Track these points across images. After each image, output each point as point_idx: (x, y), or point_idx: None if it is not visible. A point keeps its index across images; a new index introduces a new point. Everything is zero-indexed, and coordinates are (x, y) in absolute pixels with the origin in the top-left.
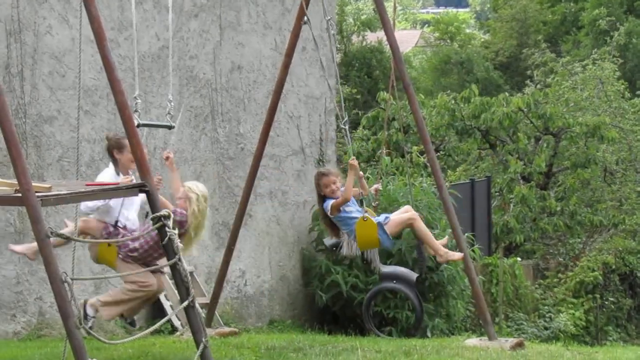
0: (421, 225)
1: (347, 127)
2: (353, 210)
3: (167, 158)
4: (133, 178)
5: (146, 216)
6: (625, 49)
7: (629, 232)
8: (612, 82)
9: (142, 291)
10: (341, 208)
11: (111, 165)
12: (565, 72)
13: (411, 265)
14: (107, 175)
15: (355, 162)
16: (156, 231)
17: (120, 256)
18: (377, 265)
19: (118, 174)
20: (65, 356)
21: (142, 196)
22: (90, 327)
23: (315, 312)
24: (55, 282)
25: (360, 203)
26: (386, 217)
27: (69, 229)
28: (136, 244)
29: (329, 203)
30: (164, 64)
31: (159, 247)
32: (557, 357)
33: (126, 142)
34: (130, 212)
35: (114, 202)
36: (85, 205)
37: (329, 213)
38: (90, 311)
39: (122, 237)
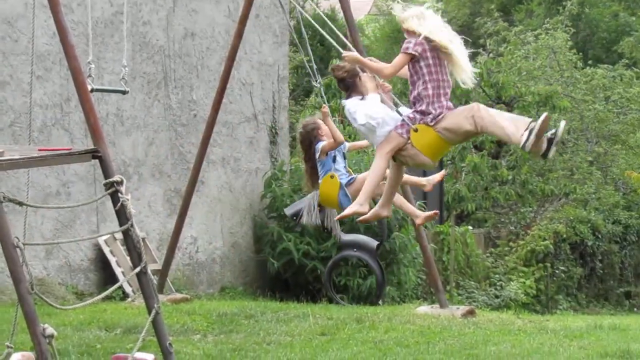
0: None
1: (321, 87)
2: (341, 163)
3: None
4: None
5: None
6: (577, 19)
7: (580, 202)
8: (564, 52)
9: (478, 111)
10: (329, 152)
11: (347, 100)
12: (517, 42)
13: (363, 232)
14: (353, 102)
15: (327, 109)
16: (420, 71)
17: (434, 126)
18: (337, 234)
19: (363, 98)
20: (16, 321)
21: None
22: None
23: (267, 279)
24: (7, 247)
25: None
26: (351, 178)
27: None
28: (423, 104)
29: (321, 144)
30: (117, 29)
31: (435, 80)
32: (508, 325)
33: (358, 69)
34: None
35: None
36: (370, 117)
37: (318, 155)
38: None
39: (412, 117)
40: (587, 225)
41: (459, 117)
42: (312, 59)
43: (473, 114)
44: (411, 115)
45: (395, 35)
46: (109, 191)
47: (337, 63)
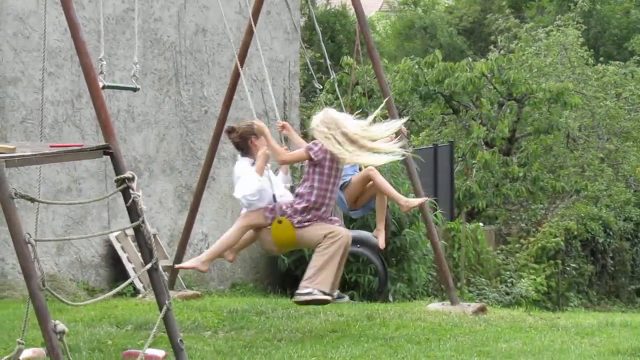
0: (378, 177)
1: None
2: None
3: (283, 127)
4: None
5: (291, 191)
6: (589, 16)
7: (591, 199)
8: (575, 49)
9: (335, 242)
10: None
11: (240, 156)
12: (528, 38)
13: (373, 229)
14: (243, 165)
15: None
16: (313, 175)
17: (296, 227)
18: None
19: (253, 164)
20: (27, 317)
21: (281, 175)
22: (324, 293)
23: (277, 276)
24: (19, 243)
25: None
26: (346, 181)
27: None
28: (304, 203)
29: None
30: (128, 26)
31: (324, 189)
32: (519, 322)
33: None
34: (280, 189)
35: (266, 185)
36: (245, 197)
37: None
38: (307, 291)
39: (291, 205)
40: (598, 222)
41: (316, 233)
42: (326, 57)
43: (330, 240)
44: (284, 207)
45: (406, 31)
46: (120, 187)
47: (232, 125)
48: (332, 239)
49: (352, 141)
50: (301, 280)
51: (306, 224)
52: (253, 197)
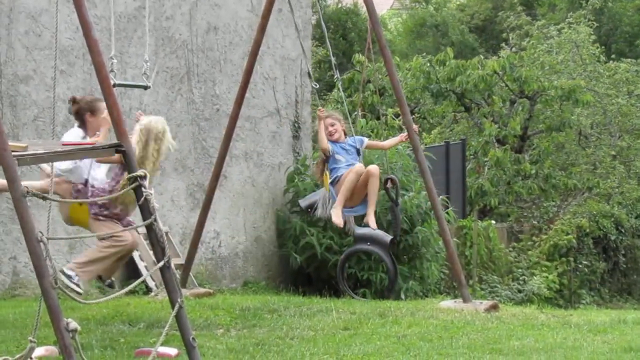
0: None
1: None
2: (342, 160)
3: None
4: (100, 140)
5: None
6: (600, 13)
7: (603, 196)
8: (587, 46)
9: (117, 246)
10: (329, 154)
11: (76, 126)
12: (540, 36)
13: (385, 227)
14: (73, 135)
15: (322, 113)
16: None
17: (92, 214)
18: (351, 227)
19: (85, 137)
20: (40, 316)
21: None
22: (78, 284)
23: (289, 274)
24: (31, 241)
25: (357, 152)
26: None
27: (41, 183)
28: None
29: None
30: (140, 24)
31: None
32: (531, 319)
33: (100, 104)
34: (97, 172)
35: (83, 163)
36: (58, 167)
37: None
38: (71, 273)
39: (92, 195)
40: (610, 219)
41: (104, 229)
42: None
43: (112, 240)
44: (89, 194)
45: (417, 29)
46: (132, 185)
47: (74, 96)
48: (116, 242)
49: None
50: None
51: (101, 218)
52: (65, 172)
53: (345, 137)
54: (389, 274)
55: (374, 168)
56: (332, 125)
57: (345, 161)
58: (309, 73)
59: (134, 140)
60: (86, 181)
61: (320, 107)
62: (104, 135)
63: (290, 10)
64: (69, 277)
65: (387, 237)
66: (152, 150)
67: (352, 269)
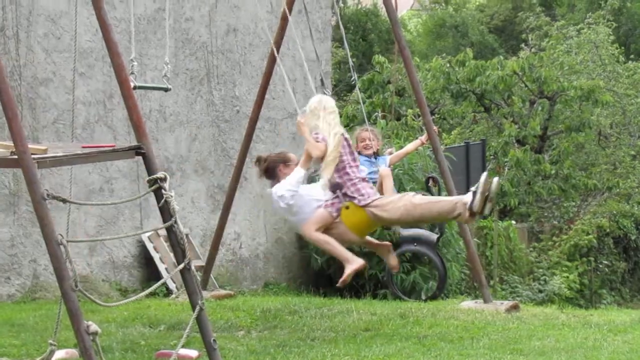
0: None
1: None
2: (365, 170)
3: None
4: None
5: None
6: (619, 13)
7: (622, 196)
8: (606, 46)
9: (404, 195)
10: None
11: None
12: (559, 36)
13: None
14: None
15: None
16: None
17: (364, 207)
18: (396, 229)
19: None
20: (60, 318)
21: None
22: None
23: (310, 275)
24: (51, 244)
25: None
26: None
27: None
28: (362, 190)
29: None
30: (159, 26)
31: (347, 171)
32: (552, 319)
33: (289, 155)
34: (318, 190)
35: (302, 190)
36: (280, 205)
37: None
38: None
39: (341, 196)
40: (631, 219)
41: (393, 203)
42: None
43: (409, 201)
44: (340, 197)
45: (437, 30)
46: (153, 188)
47: (259, 155)
48: (403, 196)
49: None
50: None
51: (373, 205)
52: (282, 201)
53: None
54: (438, 273)
55: (385, 170)
56: (371, 140)
57: (368, 172)
58: (322, 80)
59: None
60: (336, 186)
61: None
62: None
63: (305, 13)
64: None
65: (433, 236)
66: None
67: (373, 269)
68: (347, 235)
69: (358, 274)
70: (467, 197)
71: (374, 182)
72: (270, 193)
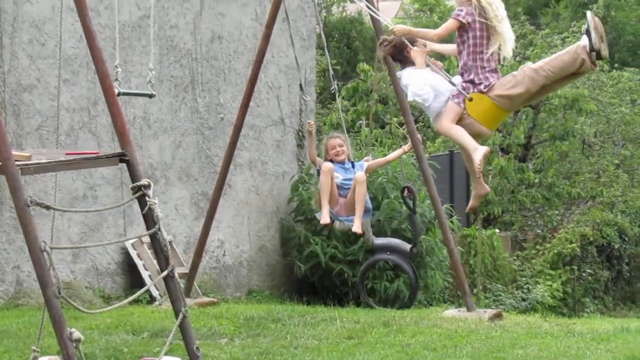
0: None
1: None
2: (339, 177)
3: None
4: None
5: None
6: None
7: (606, 205)
8: None
9: (534, 68)
10: (317, 167)
11: (403, 69)
12: (544, 45)
13: (390, 236)
14: (408, 73)
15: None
16: (468, 40)
17: (493, 97)
18: (370, 238)
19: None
20: (43, 325)
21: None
22: None
23: (293, 283)
24: (35, 250)
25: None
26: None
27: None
28: (471, 73)
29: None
30: (144, 33)
31: (480, 53)
32: (535, 328)
33: (401, 40)
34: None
35: (434, 80)
36: (415, 94)
37: None
38: None
39: (465, 85)
40: (614, 228)
41: (514, 78)
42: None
43: (527, 68)
44: (464, 85)
45: None
46: (136, 195)
47: (384, 36)
48: (520, 69)
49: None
50: None
51: (491, 85)
52: (423, 91)
53: (348, 160)
54: (410, 283)
55: (360, 175)
56: (341, 146)
57: (342, 178)
58: (300, 85)
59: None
60: (451, 82)
61: (309, 121)
62: (420, 53)
63: (287, 21)
64: None
65: (407, 246)
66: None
67: (356, 278)
68: (476, 126)
69: (342, 281)
70: (584, 40)
71: (348, 189)
72: (400, 76)
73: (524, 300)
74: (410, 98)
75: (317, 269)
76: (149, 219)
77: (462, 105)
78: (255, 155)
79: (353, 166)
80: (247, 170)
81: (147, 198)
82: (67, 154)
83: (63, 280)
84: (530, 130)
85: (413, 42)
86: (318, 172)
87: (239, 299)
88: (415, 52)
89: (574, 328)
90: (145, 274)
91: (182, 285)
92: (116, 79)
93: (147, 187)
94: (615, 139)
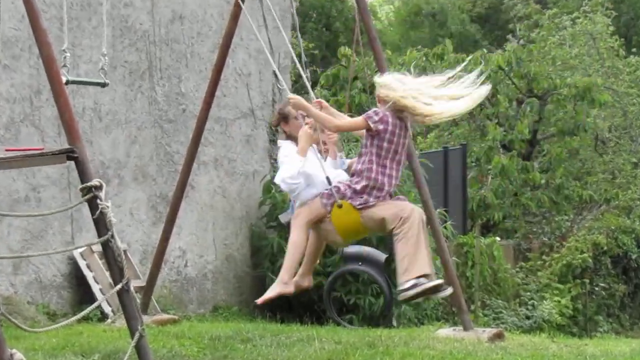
0: None
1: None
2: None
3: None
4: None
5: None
6: (620, 1)
7: (622, 209)
8: (605, 38)
9: (414, 220)
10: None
11: (282, 141)
12: (552, 26)
13: (376, 244)
14: (286, 149)
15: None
16: (371, 148)
17: (358, 207)
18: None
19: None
20: None
21: (329, 161)
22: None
23: None
24: None
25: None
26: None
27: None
28: (363, 182)
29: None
30: (95, 12)
31: (383, 165)
32: (541, 350)
33: (286, 110)
34: (332, 171)
35: (311, 167)
36: (284, 181)
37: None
38: (411, 283)
39: (344, 189)
40: (631, 235)
41: (384, 213)
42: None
43: (406, 221)
44: (342, 188)
45: (412, 18)
46: (86, 197)
47: (281, 104)
48: (407, 218)
49: (426, 93)
50: (397, 276)
51: (371, 203)
52: (293, 180)
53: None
54: (384, 297)
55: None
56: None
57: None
58: (274, 72)
59: (379, 96)
60: (328, 179)
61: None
62: (305, 138)
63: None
64: (413, 286)
65: (382, 256)
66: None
67: (338, 292)
68: (332, 235)
69: (320, 296)
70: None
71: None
72: (280, 145)
73: (528, 318)
74: (276, 180)
75: None
76: (101, 225)
77: (328, 208)
78: (222, 152)
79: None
80: (212, 169)
81: (98, 201)
82: (6, 150)
83: (2, 295)
84: (536, 124)
85: (287, 116)
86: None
87: (203, 316)
88: (302, 133)
89: (585, 350)
90: (96, 288)
91: (138, 301)
92: (63, 65)
93: (99, 188)
94: (633, 134)
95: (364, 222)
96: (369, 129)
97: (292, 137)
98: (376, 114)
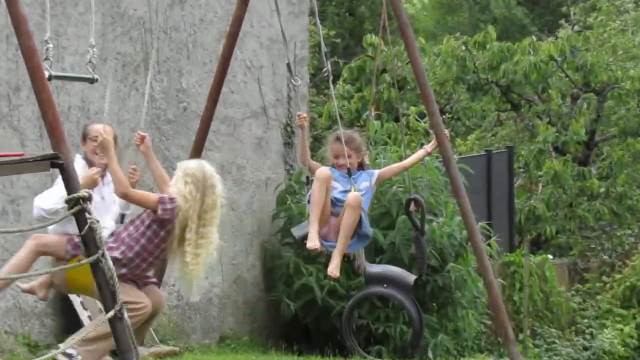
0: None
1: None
2: (339, 187)
3: (143, 140)
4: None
5: (122, 220)
6: None
7: None
8: None
9: (135, 316)
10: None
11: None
12: (612, 10)
13: (407, 263)
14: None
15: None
16: (147, 230)
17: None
18: (362, 264)
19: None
20: None
21: (118, 200)
22: None
23: (280, 326)
24: None
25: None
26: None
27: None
28: (116, 253)
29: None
30: None
31: (150, 252)
32: None
33: (88, 129)
34: (104, 218)
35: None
36: (40, 208)
37: None
38: (72, 352)
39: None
40: None
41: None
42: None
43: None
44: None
45: (449, 1)
46: (73, 210)
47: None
48: (132, 311)
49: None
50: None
51: None
52: (46, 214)
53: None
54: (413, 326)
55: (353, 198)
56: (345, 157)
57: (341, 190)
58: (288, 65)
59: (178, 189)
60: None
61: (300, 113)
62: (87, 182)
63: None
64: (69, 356)
65: (410, 277)
66: (206, 206)
67: (364, 319)
68: (58, 281)
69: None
70: None
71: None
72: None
73: (585, 349)
74: (34, 202)
75: (312, 308)
76: (90, 242)
77: (68, 256)
78: (229, 157)
79: (359, 175)
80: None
81: (86, 214)
82: None
83: None
84: (594, 123)
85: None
86: (307, 178)
87: (208, 347)
88: (87, 175)
89: None
90: (83, 315)
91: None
92: (46, 58)
93: (87, 199)
94: None
95: (94, 290)
96: (154, 211)
97: (87, 159)
98: (172, 202)
